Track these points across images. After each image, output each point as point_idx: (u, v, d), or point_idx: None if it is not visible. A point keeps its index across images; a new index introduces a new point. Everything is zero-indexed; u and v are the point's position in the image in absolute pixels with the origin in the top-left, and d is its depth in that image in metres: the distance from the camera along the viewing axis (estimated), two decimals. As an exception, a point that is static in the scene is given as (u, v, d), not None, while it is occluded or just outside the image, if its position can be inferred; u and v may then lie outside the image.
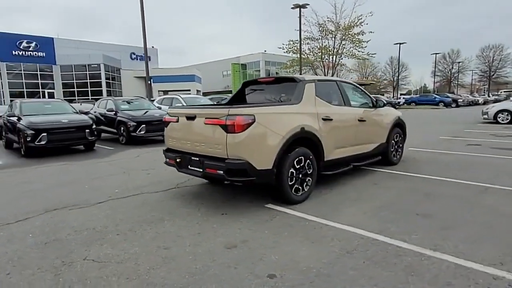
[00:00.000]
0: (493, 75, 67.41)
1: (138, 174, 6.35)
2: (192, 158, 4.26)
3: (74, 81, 39.09)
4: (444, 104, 36.19)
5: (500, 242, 3.07)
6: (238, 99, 5.63)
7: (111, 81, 40.75)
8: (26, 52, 36.35)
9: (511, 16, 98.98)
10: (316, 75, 31.89)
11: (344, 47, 30.87)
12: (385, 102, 6.25)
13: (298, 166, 4.24)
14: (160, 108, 12.67)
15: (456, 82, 72.06)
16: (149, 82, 19.73)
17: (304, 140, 4.34)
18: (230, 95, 14.06)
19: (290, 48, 31.32)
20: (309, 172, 4.40)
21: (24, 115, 9.16)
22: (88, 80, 39.14)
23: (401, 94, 61.70)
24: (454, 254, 2.85)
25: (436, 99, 38.24)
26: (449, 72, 72.51)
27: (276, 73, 52.33)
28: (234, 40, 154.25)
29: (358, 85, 6.05)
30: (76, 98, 35.55)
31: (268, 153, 3.88)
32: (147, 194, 4.99)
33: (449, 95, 41.79)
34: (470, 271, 2.59)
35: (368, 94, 6.13)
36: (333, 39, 30.77)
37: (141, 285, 2.53)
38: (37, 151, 8.76)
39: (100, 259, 2.96)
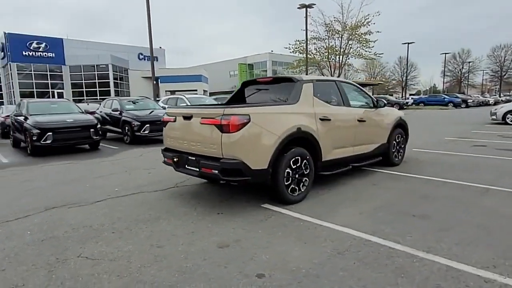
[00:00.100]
0: (504, 75, 66.22)
1: (140, 173, 6.41)
2: (189, 157, 4.29)
3: (83, 81, 39.59)
4: (453, 105, 35.72)
5: (495, 244, 3.03)
6: (238, 99, 5.64)
7: (119, 81, 41.17)
8: (36, 53, 36.94)
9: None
10: (323, 75, 31.78)
11: (351, 47, 30.67)
12: (385, 102, 6.15)
13: (295, 166, 4.23)
14: (164, 108, 12.76)
15: (467, 82, 71.07)
16: (155, 82, 19.76)
17: (300, 140, 4.34)
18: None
19: (296, 48, 31.25)
20: (306, 172, 4.39)
21: (30, 115, 9.32)
22: (97, 80, 39.60)
23: (410, 95, 61.13)
24: (447, 256, 2.82)
25: (445, 99, 37.77)
26: (459, 72, 71.51)
27: (276, 73, 52.30)
28: (241, 40, 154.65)
29: (358, 85, 6.01)
30: (85, 98, 36.06)
31: (263, 153, 3.89)
32: (146, 193, 5.04)
33: (459, 95, 41.20)
34: (461, 273, 2.56)
35: (369, 94, 6.09)
36: (340, 39, 30.60)
37: (131, 283, 2.56)
38: (43, 150, 8.90)
39: (94, 257, 2.99)
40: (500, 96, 54.58)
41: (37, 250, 3.17)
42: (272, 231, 3.47)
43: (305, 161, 4.36)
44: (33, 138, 8.60)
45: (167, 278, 2.60)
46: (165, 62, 51.56)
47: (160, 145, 10.42)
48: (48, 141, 8.68)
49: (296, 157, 4.24)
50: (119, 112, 11.53)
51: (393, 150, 6.27)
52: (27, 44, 36.31)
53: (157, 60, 47.05)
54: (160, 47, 50.41)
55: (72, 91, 38.82)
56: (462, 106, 35.47)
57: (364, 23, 28.82)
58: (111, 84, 39.37)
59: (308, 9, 27.68)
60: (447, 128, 13.65)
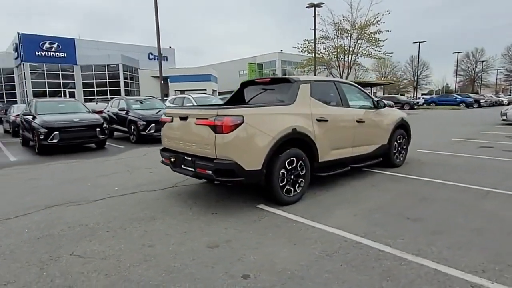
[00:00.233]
0: (519, 74, 64.75)
1: (141, 173, 6.49)
2: (185, 157, 4.33)
3: (94, 80, 40.22)
4: (465, 105, 35.05)
5: (487, 249, 2.98)
6: (237, 99, 5.66)
7: (129, 81, 41.68)
8: (49, 53, 37.66)
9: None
10: (331, 74, 31.55)
11: (360, 46, 30.36)
12: (385, 103, 6.09)
13: (290, 167, 4.23)
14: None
15: (480, 82, 69.68)
16: (162, 81, 19.95)
17: (296, 141, 4.33)
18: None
19: (305, 47, 31.08)
20: (301, 173, 4.38)
21: (38, 114, 9.52)
22: (107, 80, 40.19)
23: (422, 94, 60.24)
24: (436, 260, 2.78)
25: (457, 99, 37.08)
26: (473, 72, 70.23)
27: (286, 73, 52.13)
28: (251, 39, 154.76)
29: (358, 86, 5.96)
30: (96, 97, 36.63)
31: (257, 154, 3.90)
32: (145, 192, 5.10)
33: (471, 95, 40.43)
34: (448, 277, 2.53)
35: (369, 95, 6.04)
36: (349, 38, 30.32)
37: (118, 281, 2.60)
38: (50, 149, 9.08)
39: (86, 255, 3.05)
40: (514, 96, 53.34)
41: (32, 247, 3.24)
42: (263, 232, 3.48)
43: (301, 162, 4.35)
44: (41, 137, 8.78)
45: (154, 278, 2.63)
46: (175, 61, 51.99)
47: (165, 144, 10.61)
48: (55, 140, 8.85)
49: (292, 158, 4.24)
50: (125, 111, 11.68)
51: (394, 151, 6.20)
52: (40, 44, 37.04)
53: (166, 60, 47.64)
54: (170, 47, 50.84)
55: (84, 91, 39.50)
56: (474, 106, 34.78)
57: (374, 22, 28.50)
58: (122, 84, 39.90)
59: (316, 8, 27.52)
60: (455, 129, 13.43)
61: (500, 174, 5.72)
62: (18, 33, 36.77)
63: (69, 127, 9.11)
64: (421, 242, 3.13)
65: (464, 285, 2.43)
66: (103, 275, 2.70)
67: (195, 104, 12.90)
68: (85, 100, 34.65)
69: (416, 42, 43.40)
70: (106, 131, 9.91)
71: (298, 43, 33.41)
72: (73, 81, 39.64)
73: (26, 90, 37.12)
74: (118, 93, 37.33)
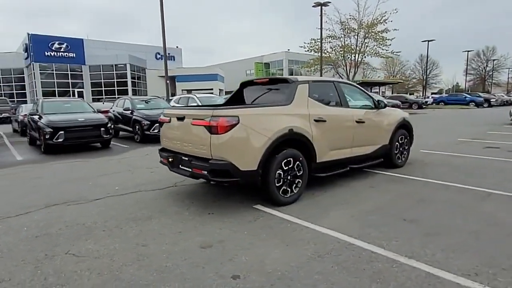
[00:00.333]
0: (531, 73, 63.51)
1: (142, 172, 6.54)
2: (183, 158, 4.36)
3: (102, 80, 40.61)
4: (475, 104, 34.50)
5: (482, 252, 2.93)
6: (236, 99, 5.67)
7: (136, 81, 41.99)
8: (58, 53, 38.12)
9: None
10: (338, 74, 31.35)
11: (367, 45, 30.10)
12: (386, 103, 6.04)
13: (287, 167, 4.22)
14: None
15: (491, 81, 68.55)
16: (168, 81, 20.07)
17: (293, 142, 4.32)
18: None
19: (311, 47, 30.95)
20: (299, 174, 4.37)
21: (44, 114, 9.66)
22: (115, 80, 40.52)
23: (432, 93, 59.48)
24: (429, 263, 2.75)
25: (467, 98, 36.50)
26: (483, 70, 69.10)
27: (293, 72, 51.95)
28: (258, 39, 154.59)
29: (358, 86, 5.91)
30: (104, 97, 37.00)
31: (253, 154, 3.90)
32: (144, 192, 5.15)
33: (481, 94, 39.75)
34: (440, 281, 2.50)
35: (370, 95, 5.98)
36: (356, 37, 30.08)
37: (110, 280, 2.63)
38: (56, 148, 9.22)
39: (81, 254, 3.09)
40: (526, 95, 52.31)
41: (29, 246, 3.30)
42: (257, 233, 3.48)
43: (298, 162, 4.34)
44: (46, 137, 8.92)
45: (145, 277, 2.66)
46: (182, 61, 52.17)
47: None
48: (60, 140, 8.98)
49: (288, 159, 4.23)
50: (130, 111, 11.79)
51: (396, 152, 6.14)
52: (49, 45, 37.51)
53: (173, 60, 47.91)
54: (177, 47, 51.06)
55: (92, 90, 39.91)
56: (484, 105, 34.24)
57: (381, 21, 28.23)
58: (129, 83, 40.21)
59: (323, 7, 27.38)
60: (463, 129, 13.23)
61: (502, 175, 5.62)
62: (28, 34, 37.30)
63: (74, 126, 9.23)
64: (415, 244, 3.10)
65: (455, 288, 2.40)
66: (96, 274, 2.73)
67: (200, 104, 12.96)
68: (94, 100, 35.05)
69: (425, 41, 42.87)
70: (110, 131, 10.02)
71: (305, 43, 33.26)
72: (81, 81, 40.09)
73: (36, 90, 37.66)
74: (125, 92, 37.63)
